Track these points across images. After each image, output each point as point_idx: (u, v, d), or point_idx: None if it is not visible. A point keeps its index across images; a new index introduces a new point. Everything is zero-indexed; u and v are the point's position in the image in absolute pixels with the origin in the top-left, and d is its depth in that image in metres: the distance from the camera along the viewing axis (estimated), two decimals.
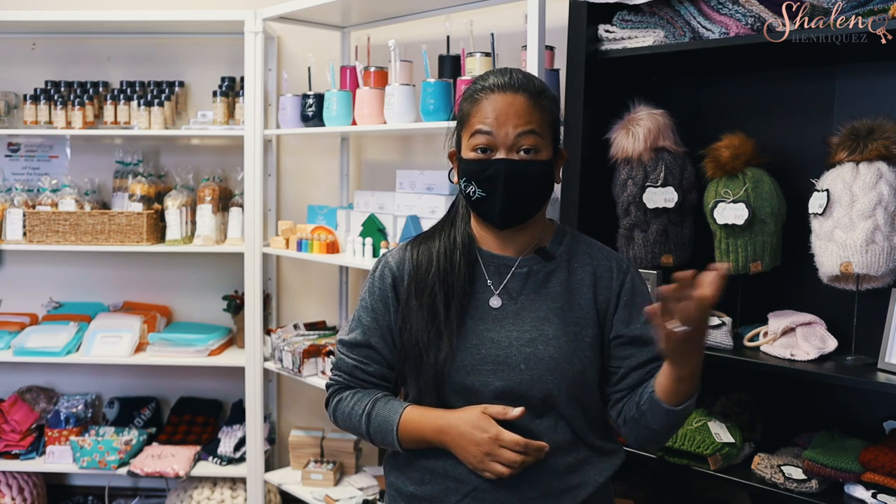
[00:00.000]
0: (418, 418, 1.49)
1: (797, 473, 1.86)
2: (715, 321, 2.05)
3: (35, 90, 3.35)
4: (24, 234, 3.25)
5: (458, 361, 1.47)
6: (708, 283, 1.27)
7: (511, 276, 1.53)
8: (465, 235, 1.56)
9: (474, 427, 1.42)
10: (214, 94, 3.29)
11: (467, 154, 1.50)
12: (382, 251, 2.73)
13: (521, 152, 1.46)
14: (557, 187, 2.16)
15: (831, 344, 1.92)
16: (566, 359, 1.47)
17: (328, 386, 1.63)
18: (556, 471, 1.47)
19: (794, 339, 1.95)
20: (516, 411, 1.42)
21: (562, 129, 1.58)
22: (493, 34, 2.39)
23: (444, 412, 1.48)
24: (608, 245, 1.63)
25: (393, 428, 1.49)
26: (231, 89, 3.32)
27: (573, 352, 1.48)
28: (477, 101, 1.49)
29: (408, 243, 1.61)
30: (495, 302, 1.51)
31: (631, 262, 1.60)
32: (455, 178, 1.57)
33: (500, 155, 1.46)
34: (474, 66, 2.45)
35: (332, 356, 2.91)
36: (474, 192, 1.48)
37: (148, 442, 3.35)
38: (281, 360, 3.09)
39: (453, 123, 1.58)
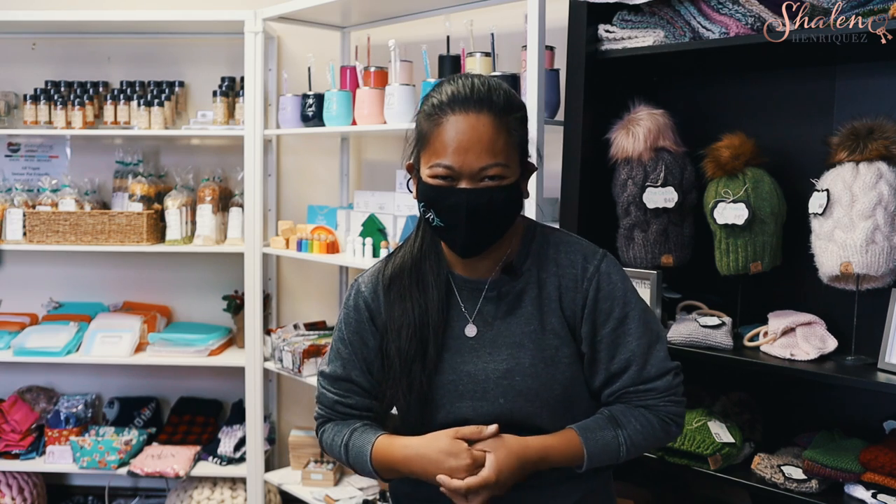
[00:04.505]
0: (386, 449, 1.43)
1: (797, 473, 1.86)
2: (715, 321, 2.05)
3: (35, 90, 3.35)
4: (24, 234, 3.25)
5: (437, 399, 1.44)
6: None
7: (483, 300, 1.47)
8: (437, 265, 1.47)
9: (447, 454, 1.37)
10: (214, 94, 3.29)
11: (426, 178, 1.38)
12: (382, 251, 2.74)
13: (486, 180, 1.35)
14: (554, 188, 2.17)
15: (831, 344, 1.91)
16: (545, 387, 1.42)
17: (315, 419, 1.58)
18: (549, 476, 1.45)
19: (794, 339, 1.95)
20: (490, 429, 1.38)
21: (531, 141, 1.45)
22: (493, 34, 2.38)
23: (410, 440, 1.42)
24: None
25: (367, 460, 1.45)
26: (231, 89, 3.32)
27: (551, 377, 1.43)
28: (437, 122, 1.36)
29: (379, 272, 1.52)
30: (470, 331, 1.46)
31: (603, 258, 1.47)
32: (413, 192, 1.46)
33: (463, 185, 1.35)
34: (474, 66, 2.44)
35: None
36: (433, 219, 1.39)
37: (148, 442, 3.35)
38: (281, 360, 3.09)
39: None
